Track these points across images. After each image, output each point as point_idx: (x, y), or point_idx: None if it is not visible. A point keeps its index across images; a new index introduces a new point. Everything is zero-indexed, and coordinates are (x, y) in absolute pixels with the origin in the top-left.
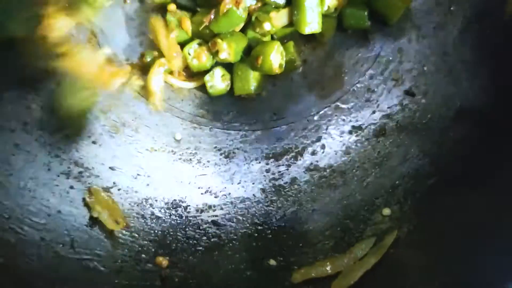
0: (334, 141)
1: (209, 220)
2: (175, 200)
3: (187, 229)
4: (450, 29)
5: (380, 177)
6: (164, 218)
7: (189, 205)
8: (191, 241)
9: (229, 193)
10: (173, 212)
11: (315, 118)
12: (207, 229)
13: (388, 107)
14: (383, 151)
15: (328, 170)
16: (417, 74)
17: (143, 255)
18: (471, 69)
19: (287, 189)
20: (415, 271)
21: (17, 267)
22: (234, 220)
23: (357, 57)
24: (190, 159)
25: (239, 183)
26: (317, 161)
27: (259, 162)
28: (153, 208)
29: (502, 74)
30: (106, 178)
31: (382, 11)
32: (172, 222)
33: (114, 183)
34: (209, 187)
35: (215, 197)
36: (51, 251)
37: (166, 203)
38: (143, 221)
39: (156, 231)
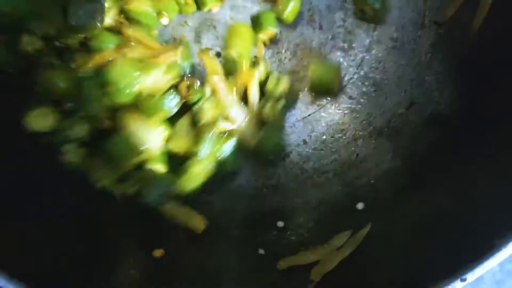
0: (317, 143)
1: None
2: None
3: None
4: (423, 42)
5: (357, 177)
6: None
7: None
8: (185, 233)
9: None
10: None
11: (300, 121)
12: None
13: (367, 113)
14: (361, 153)
15: (312, 170)
16: (393, 85)
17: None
18: (441, 79)
19: (275, 187)
20: (385, 260)
21: None
22: (226, 213)
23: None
24: None
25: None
26: (303, 162)
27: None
28: None
29: (468, 84)
30: None
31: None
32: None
33: None
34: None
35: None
36: None
37: None
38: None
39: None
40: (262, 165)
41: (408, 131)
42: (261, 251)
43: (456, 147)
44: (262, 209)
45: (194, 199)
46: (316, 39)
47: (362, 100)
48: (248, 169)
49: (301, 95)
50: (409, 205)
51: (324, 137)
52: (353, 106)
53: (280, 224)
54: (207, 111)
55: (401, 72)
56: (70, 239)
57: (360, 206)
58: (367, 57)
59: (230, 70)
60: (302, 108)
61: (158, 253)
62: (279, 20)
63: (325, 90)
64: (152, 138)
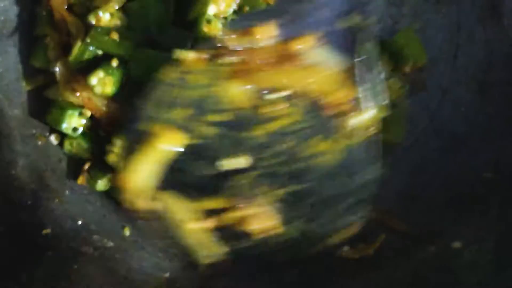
0: None
1: None
2: None
3: None
4: None
5: (430, 258)
6: None
7: None
8: None
9: None
10: None
11: None
12: None
13: (444, 176)
14: (436, 227)
15: None
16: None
17: None
18: None
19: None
20: None
21: None
22: None
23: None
24: None
25: None
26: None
27: None
28: None
29: None
30: None
31: None
32: None
33: None
34: None
35: None
36: None
37: None
38: None
39: None
40: None
41: (497, 200)
42: None
43: None
44: None
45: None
46: None
47: (436, 158)
48: None
49: None
50: None
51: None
52: (424, 166)
53: None
54: None
55: (488, 122)
56: None
57: None
58: (444, 101)
59: None
60: None
61: None
62: None
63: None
64: None
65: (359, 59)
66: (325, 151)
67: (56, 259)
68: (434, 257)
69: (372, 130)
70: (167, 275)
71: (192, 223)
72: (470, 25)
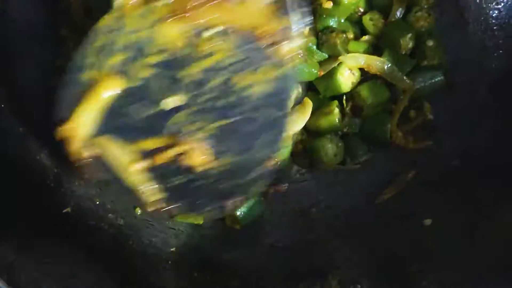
0: (362, 195)
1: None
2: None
3: None
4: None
5: (408, 228)
6: None
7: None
8: None
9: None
10: None
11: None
12: None
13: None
14: (410, 207)
15: (358, 224)
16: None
17: None
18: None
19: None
20: None
21: None
22: (259, 273)
23: None
24: None
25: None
26: (346, 215)
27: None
28: None
29: None
30: None
31: None
32: None
33: None
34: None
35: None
36: None
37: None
38: None
39: None
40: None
41: (464, 185)
42: None
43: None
44: (300, 269)
45: (225, 254)
46: None
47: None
48: (282, 223)
49: None
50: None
51: (370, 188)
52: (399, 154)
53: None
54: None
55: (455, 117)
56: None
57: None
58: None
59: None
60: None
61: None
62: None
63: None
64: None
65: None
66: (256, 82)
67: (75, 234)
68: (406, 234)
69: (299, 56)
70: (173, 249)
71: (131, 164)
72: (438, 31)
